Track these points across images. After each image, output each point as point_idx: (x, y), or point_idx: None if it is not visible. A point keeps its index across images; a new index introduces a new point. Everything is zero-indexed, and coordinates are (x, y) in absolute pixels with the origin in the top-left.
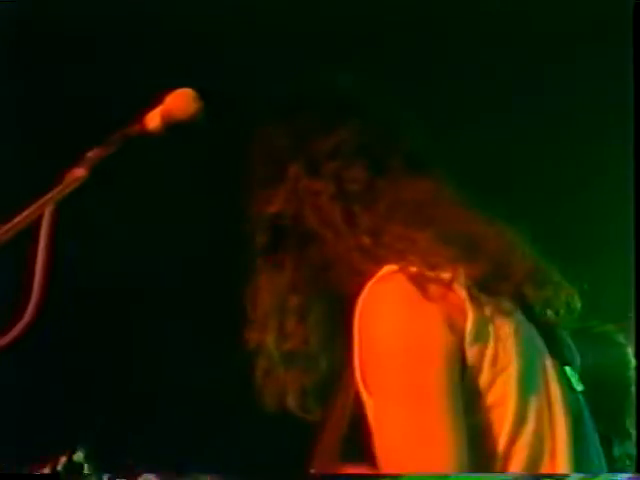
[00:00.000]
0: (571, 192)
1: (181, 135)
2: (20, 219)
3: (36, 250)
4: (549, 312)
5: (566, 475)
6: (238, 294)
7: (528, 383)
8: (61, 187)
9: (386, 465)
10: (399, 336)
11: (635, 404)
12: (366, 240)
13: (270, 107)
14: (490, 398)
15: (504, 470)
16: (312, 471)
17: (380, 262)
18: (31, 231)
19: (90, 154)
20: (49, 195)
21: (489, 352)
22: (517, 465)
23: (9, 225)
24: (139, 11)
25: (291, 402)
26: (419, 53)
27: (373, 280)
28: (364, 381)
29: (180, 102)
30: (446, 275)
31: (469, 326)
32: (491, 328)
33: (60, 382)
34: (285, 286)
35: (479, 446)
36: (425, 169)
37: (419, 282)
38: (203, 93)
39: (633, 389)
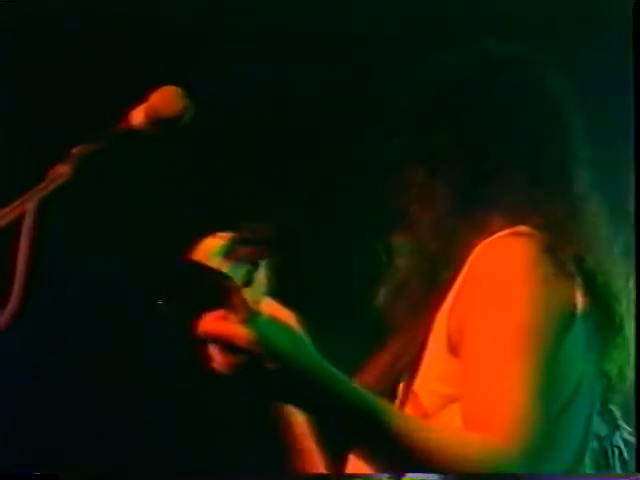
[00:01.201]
0: None
1: (169, 134)
2: (1, 216)
3: (17, 248)
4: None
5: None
6: None
7: None
8: (44, 184)
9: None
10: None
11: (635, 404)
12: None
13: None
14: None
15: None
16: None
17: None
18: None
19: (74, 151)
20: (32, 192)
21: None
22: None
23: None
24: (126, 7)
25: None
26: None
27: (504, 233)
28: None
29: (165, 99)
30: (570, 250)
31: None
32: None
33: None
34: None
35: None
36: None
37: (553, 252)
38: (191, 91)
39: None
